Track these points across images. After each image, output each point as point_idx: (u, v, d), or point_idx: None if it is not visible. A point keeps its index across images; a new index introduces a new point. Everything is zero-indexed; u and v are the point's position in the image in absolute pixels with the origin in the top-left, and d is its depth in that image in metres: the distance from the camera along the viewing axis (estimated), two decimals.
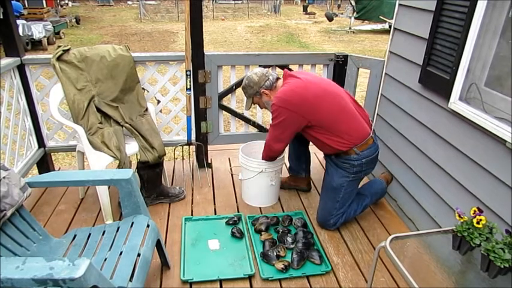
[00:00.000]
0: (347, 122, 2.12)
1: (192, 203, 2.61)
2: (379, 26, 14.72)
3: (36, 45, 10.16)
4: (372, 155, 2.19)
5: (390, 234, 1.62)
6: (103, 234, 1.72)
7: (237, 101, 3.16)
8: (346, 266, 2.07)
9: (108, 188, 2.32)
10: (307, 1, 23.53)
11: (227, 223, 2.35)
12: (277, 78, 2.27)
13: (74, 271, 1.04)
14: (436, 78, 2.00)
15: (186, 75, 2.66)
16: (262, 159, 2.38)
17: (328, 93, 2.12)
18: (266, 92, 2.23)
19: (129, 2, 24.03)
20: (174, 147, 3.01)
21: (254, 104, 2.38)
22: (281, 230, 2.27)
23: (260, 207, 2.57)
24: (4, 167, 1.54)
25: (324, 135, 2.13)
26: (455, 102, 1.86)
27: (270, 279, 1.95)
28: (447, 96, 1.89)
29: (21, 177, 1.62)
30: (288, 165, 2.85)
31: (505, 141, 1.55)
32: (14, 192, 1.51)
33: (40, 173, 2.85)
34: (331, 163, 2.26)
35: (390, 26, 2.87)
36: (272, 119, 2.16)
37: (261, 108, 2.49)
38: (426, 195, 2.19)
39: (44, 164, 2.84)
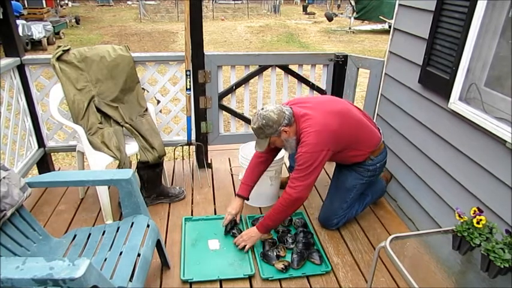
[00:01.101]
0: (363, 135, 2.13)
1: (192, 203, 2.61)
2: (379, 26, 14.71)
3: (36, 45, 10.15)
4: (384, 159, 2.24)
5: (390, 234, 1.62)
6: (103, 234, 1.72)
7: (237, 101, 3.16)
8: (346, 266, 2.07)
9: (108, 188, 2.31)
10: (307, 1, 23.53)
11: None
12: (291, 112, 2.03)
13: (74, 271, 1.04)
14: (436, 78, 2.00)
15: (186, 75, 2.66)
16: (285, 218, 2.13)
17: (341, 115, 2.04)
18: (286, 129, 1.98)
19: (129, 2, 24.03)
20: (174, 147, 3.01)
21: (270, 144, 2.07)
22: (281, 230, 2.27)
23: (260, 207, 2.57)
24: (4, 167, 1.54)
25: (343, 154, 2.11)
26: (455, 103, 1.86)
27: (270, 279, 1.95)
28: (447, 96, 1.89)
29: (21, 177, 1.62)
30: (288, 165, 2.85)
31: (505, 141, 1.55)
32: (14, 192, 1.51)
33: (40, 173, 2.85)
34: (345, 165, 2.27)
35: (390, 26, 2.87)
36: (307, 166, 1.92)
37: (279, 147, 2.18)
38: (426, 195, 2.19)
39: (44, 164, 2.84)
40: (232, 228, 2.27)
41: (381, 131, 2.27)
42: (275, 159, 2.41)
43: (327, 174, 3.00)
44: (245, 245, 2.10)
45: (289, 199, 1.97)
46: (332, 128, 1.96)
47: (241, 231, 2.25)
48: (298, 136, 2.01)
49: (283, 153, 2.50)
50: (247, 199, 2.30)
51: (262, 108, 2.01)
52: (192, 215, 2.48)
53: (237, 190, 2.30)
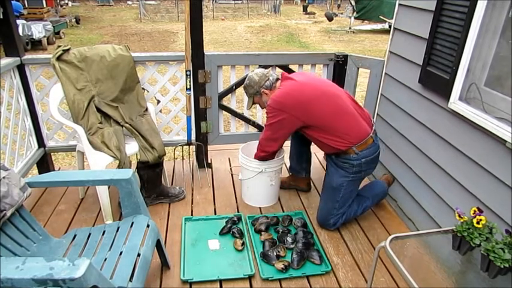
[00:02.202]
0: (344, 122, 2.12)
1: (192, 203, 2.61)
2: (379, 26, 14.72)
3: (36, 45, 10.16)
4: (371, 155, 2.18)
5: (390, 234, 1.62)
6: (103, 234, 1.72)
7: (237, 101, 3.16)
8: (346, 266, 2.07)
9: (108, 188, 2.31)
10: (307, 1, 23.53)
11: (226, 223, 2.34)
12: (277, 79, 2.30)
13: (74, 271, 1.04)
14: (436, 78, 2.00)
15: (186, 75, 2.66)
16: (254, 158, 2.41)
17: (324, 94, 2.13)
18: (266, 92, 2.27)
19: (129, 2, 24.03)
20: (174, 147, 3.01)
21: (255, 103, 2.41)
22: (281, 230, 2.27)
23: (260, 207, 2.57)
24: (4, 167, 1.54)
25: (321, 134, 2.14)
26: (455, 102, 1.86)
27: (270, 279, 1.95)
28: (447, 96, 1.89)
29: (21, 177, 1.62)
30: (288, 165, 2.85)
31: (505, 141, 1.55)
32: (14, 192, 1.51)
33: (40, 173, 2.85)
34: (332, 163, 2.26)
35: (390, 26, 2.87)
36: (267, 120, 2.20)
37: (262, 108, 2.48)
38: (426, 195, 2.19)
39: (44, 164, 2.84)
40: (231, 228, 2.27)
41: (373, 128, 2.23)
42: (275, 159, 2.41)
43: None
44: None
45: (259, 142, 2.33)
46: (300, 97, 2.10)
47: (241, 231, 2.25)
48: None
49: (283, 153, 2.50)
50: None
51: (253, 71, 2.34)
52: (192, 215, 2.48)
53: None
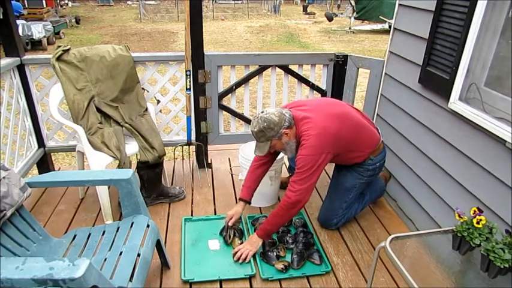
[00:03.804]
0: (362, 136, 2.13)
1: (192, 203, 2.61)
2: (379, 26, 14.72)
3: (36, 45, 10.16)
4: (384, 158, 2.25)
5: (390, 234, 1.62)
6: (103, 234, 1.72)
7: (237, 101, 3.16)
8: (346, 266, 2.07)
9: (108, 188, 2.31)
10: (307, 1, 23.54)
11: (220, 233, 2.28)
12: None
13: (74, 271, 1.04)
14: (436, 78, 2.00)
15: (186, 75, 2.66)
16: (285, 221, 2.09)
17: (339, 117, 2.04)
18: (287, 131, 1.97)
19: (129, 2, 24.03)
20: (174, 147, 3.01)
21: (270, 147, 2.05)
22: (281, 230, 2.27)
23: (260, 207, 2.57)
24: (4, 167, 1.54)
25: (342, 156, 2.11)
26: (455, 102, 1.86)
27: (270, 279, 1.95)
28: (447, 96, 1.89)
29: (21, 177, 1.62)
30: (288, 165, 2.85)
31: (505, 141, 1.55)
32: (14, 192, 1.51)
33: (40, 173, 2.85)
34: (345, 165, 2.27)
35: (390, 26, 2.87)
36: (304, 170, 1.93)
37: (279, 151, 2.19)
38: (426, 195, 2.19)
39: (44, 164, 2.84)
40: (230, 228, 2.25)
41: (379, 131, 2.27)
42: (275, 159, 2.41)
43: (327, 174, 3.00)
44: (247, 255, 2.03)
45: (288, 202, 1.95)
46: (331, 130, 1.96)
47: (241, 230, 2.25)
48: (298, 139, 2.01)
49: (283, 154, 2.50)
50: (249, 203, 2.29)
51: (262, 111, 1.99)
52: (192, 215, 2.48)
53: (239, 194, 2.30)
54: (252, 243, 2.07)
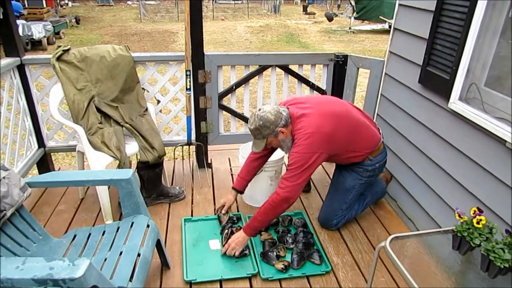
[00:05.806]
0: (360, 137, 2.13)
1: (192, 203, 2.61)
2: (379, 26, 14.72)
3: (36, 45, 10.16)
4: (384, 159, 2.24)
5: (390, 234, 1.62)
6: (103, 234, 1.72)
7: (237, 101, 3.16)
8: (346, 266, 2.07)
9: (108, 188, 2.31)
10: (307, 1, 23.53)
11: (226, 223, 2.32)
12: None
13: (74, 271, 1.04)
14: (436, 78, 2.00)
15: (186, 75, 2.66)
16: (272, 218, 2.10)
17: (338, 116, 2.04)
18: (283, 130, 2.00)
19: (129, 2, 24.03)
20: (174, 147, 3.01)
21: (267, 144, 2.09)
22: (281, 230, 2.27)
23: (260, 208, 2.56)
24: (4, 167, 1.54)
25: (339, 156, 2.12)
26: (455, 102, 1.86)
27: (270, 279, 1.95)
28: (447, 96, 1.89)
29: (21, 177, 1.62)
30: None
31: (505, 141, 1.55)
32: (14, 192, 1.51)
33: (40, 173, 2.85)
34: (344, 165, 2.27)
35: (390, 26, 2.87)
36: (296, 167, 1.94)
37: (275, 147, 2.22)
38: (426, 195, 2.19)
39: (44, 164, 2.84)
40: (231, 227, 2.25)
41: (381, 131, 2.27)
42: (275, 159, 2.41)
43: (327, 174, 3.00)
44: (235, 252, 2.04)
45: (277, 199, 1.96)
46: (325, 130, 1.96)
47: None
48: (293, 137, 2.02)
49: (283, 153, 2.50)
50: (242, 192, 2.37)
51: (260, 109, 2.01)
52: (192, 215, 2.48)
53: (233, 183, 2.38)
54: (237, 242, 2.05)
